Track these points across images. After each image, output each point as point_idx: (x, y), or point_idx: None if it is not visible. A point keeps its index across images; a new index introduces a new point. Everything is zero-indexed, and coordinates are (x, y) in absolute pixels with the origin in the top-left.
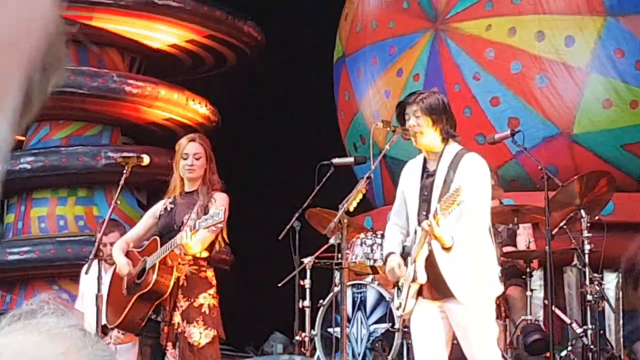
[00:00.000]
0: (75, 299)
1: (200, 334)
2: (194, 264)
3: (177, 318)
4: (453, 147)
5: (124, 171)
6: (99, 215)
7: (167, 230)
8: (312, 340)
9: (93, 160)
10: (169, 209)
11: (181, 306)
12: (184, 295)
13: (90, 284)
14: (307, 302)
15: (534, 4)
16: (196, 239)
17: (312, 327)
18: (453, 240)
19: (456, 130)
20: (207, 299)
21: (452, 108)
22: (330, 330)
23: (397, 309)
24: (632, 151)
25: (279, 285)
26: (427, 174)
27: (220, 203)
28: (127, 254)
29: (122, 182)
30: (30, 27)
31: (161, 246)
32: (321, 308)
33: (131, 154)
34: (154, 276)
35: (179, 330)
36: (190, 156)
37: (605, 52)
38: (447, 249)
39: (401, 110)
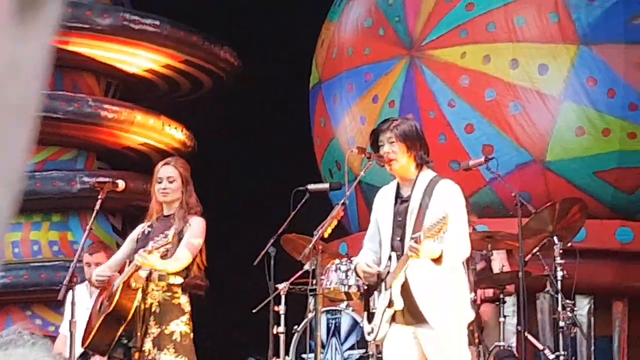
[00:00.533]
0: (49, 325)
1: None
2: (167, 290)
3: (148, 345)
4: (427, 174)
5: (99, 196)
6: (74, 241)
7: None
8: None
9: (68, 185)
10: (146, 232)
11: (152, 333)
12: (155, 321)
13: (81, 308)
14: (281, 328)
15: (508, 32)
16: (158, 259)
17: (287, 353)
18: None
19: (429, 157)
20: (179, 326)
21: (427, 134)
22: (304, 356)
23: (369, 334)
24: (604, 178)
25: (254, 311)
26: (401, 200)
27: (195, 228)
28: (110, 279)
29: (97, 207)
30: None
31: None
32: (295, 334)
33: (106, 179)
34: (117, 297)
35: (150, 357)
36: (164, 180)
37: (579, 80)
38: (438, 260)
39: (375, 137)
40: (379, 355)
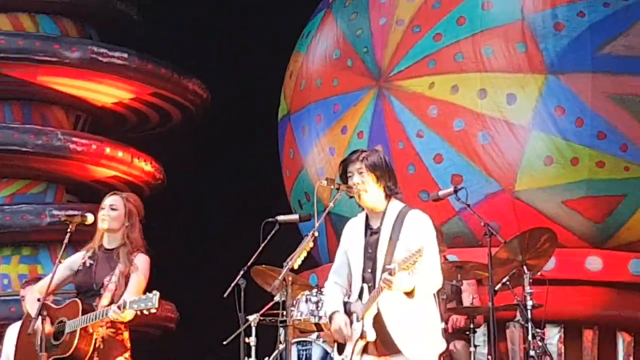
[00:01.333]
0: None
1: None
2: (111, 326)
3: None
4: (396, 204)
5: (68, 229)
6: (44, 274)
7: (85, 289)
8: None
9: (37, 218)
10: (87, 264)
11: None
12: (99, 357)
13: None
14: None
15: (476, 62)
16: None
17: None
18: (412, 284)
19: (398, 187)
20: None
21: (396, 165)
22: None
23: None
24: (573, 207)
25: (225, 342)
26: (370, 232)
27: (140, 268)
28: (43, 306)
29: (66, 240)
30: None
31: (83, 311)
32: None
33: (76, 212)
34: (75, 342)
35: None
36: (107, 207)
37: (547, 109)
38: (410, 294)
39: (344, 168)
40: None
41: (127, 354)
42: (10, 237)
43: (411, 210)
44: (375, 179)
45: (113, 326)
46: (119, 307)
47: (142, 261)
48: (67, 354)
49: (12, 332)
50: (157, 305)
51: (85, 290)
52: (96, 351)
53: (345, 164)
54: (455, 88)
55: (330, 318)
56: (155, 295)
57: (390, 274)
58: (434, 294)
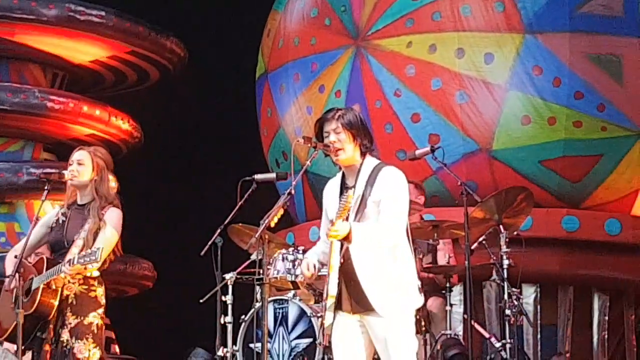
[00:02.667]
0: None
1: (89, 351)
2: (83, 283)
3: (65, 335)
4: (371, 161)
5: (46, 187)
6: (21, 232)
7: (58, 247)
8: (234, 355)
9: (14, 176)
10: (60, 221)
11: (69, 323)
12: (72, 313)
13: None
14: (228, 318)
15: (454, 21)
16: (82, 267)
17: (234, 342)
18: (353, 230)
19: (374, 145)
20: (96, 318)
21: (373, 124)
22: (251, 345)
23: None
24: (550, 167)
25: (201, 301)
26: (346, 189)
27: (110, 221)
28: (20, 265)
29: (43, 198)
30: None
31: (47, 268)
32: (243, 323)
33: (53, 170)
34: (38, 298)
35: (68, 347)
36: (75, 162)
37: (524, 69)
38: (347, 239)
39: (320, 126)
40: (327, 345)
41: (100, 310)
42: None
43: (385, 166)
44: (351, 137)
45: (85, 282)
46: (69, 263)
47: (112, 215)
48: (32, 310)
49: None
50: (99, 260)
51: (58, 247)
52: (69, 307)
53: (321, 123)
54: (433, 47)
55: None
56: (98, 250)
57: (331, 224)
58: (410, 250)
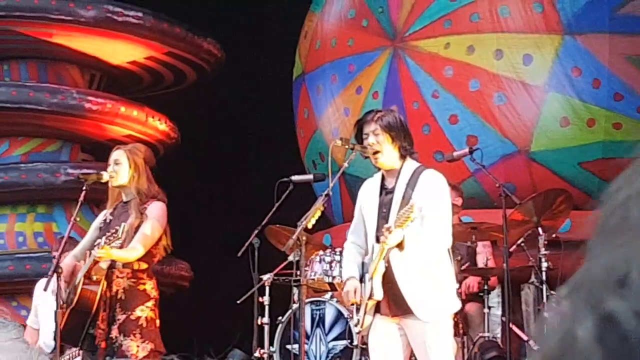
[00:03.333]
0: None
1: (137, 347)
2: (132, 277)
3: (114, 332)
4: (411, 164)
5: (84, 188)
6: (58, 232)
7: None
8: (270, 357)
9: (52, 176)
10: (107, 220)
11: (118, 319)
12: (121, 308)
13: (47, 299)
14: (265, 319)
15: (492, 22)
16: (116, 253)
17: (271, 343)
18: (407, 241)
19: (413, 147)
20: (144, 312)
21: (410, 125)
22: (288, 347)
23: (355, 325)
24: (589, 169)
25: (238, 302)
26: (385, 191)
27: (151, 215)
28: (75, 268)
29: (81, 198)
30: None
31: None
32: (280, 325)
33: (91, 171)
34: (79, 291)
35: (116, 344)
36: (112, 163)
37: (563, 70)
38: (400, 246)
39: (359, 128)
40: (364, 346)
41: (149, 303)
42: (25, 195)
43: (425, 169)
44: (390, 139)
45: (134, 276)
46: (97, 245)
47: (154, 208)
48: (74, 305)
49: (40, 287)
50: (120, 235)
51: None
52: (118, 302)
53: (360, 125)
54: (471, 48)
55: (345, 282)
56: (120, 227)
57: (388, 231)
58: (449, 254)
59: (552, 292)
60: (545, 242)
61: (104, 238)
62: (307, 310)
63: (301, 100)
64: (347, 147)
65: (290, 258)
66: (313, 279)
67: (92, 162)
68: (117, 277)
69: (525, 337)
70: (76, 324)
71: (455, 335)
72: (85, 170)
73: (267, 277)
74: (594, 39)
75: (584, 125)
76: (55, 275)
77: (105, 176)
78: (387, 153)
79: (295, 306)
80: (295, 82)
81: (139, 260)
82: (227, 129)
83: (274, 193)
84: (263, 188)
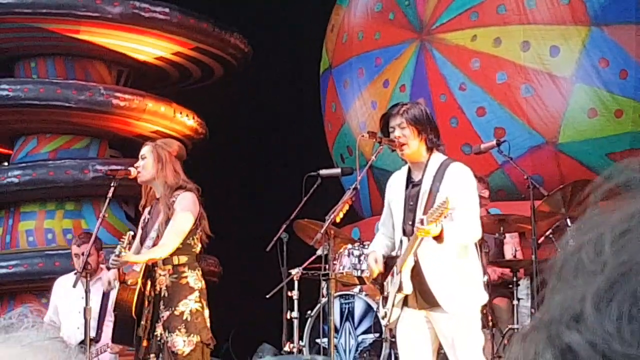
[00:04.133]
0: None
1: (183, 342)
2: (173, 272)
3: (159, 329)
4: (438, 157)
5: (112, 184)
6: (87, 229)
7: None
8: (300, 351)
9: (81, 173)
10: (146, 219)
11: (163, 317)
12: (165, 305)
13: (70, 296)
14: (295, 313)
15: (519, 14)
16: (132, 256)
17: (300, 338)
18: (443, 230)
19: (440, 140)
20: (188, 305)
21: (438, 118)
22: (318, 340)
23: (383, 318)
24: (617, 160)
25: (267, 296)
26: (412, 184)
27: (180, 206)
28: (86, 263)
29: (109, 195)
30: None
31: None
32: (309, 319)
33: (119, 167)
34: (115, 296)
35: (162, 341)
36: (140, 159)
37: (590, 61)
38: (439, 238)
39: (385, 121)
40: (393, 339)
41: (192, 296)
42: (54, 192)
43: (452, 162)
44: (416, 132)
45: (175, 271)
46: (114, 254)
47: (182, 199)
48: (114, 310)
49: (60, 284)
50: (126, 243)
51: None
52: (162, 300)
53: (386, 118)
54: (498, 40)
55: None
56: (125, 237)
57: (421, 223)
58: (475, 247)
59: None
60: None
61: (119, 246)
62: (336, 304)
63: (328, 94)
64: (374, 140)
65: (319, 252)
66: (342, 273)
67: (120, 159)
68: (160, 275)
69: None
70: (124, 326)
71: (484, 327)
72: (113, 167)
73: (295, 272)
74: (621, 30)
75: (612, 116)
76: (84, 272)
77: (133, 172)
78: (413, 146)
79: (324, 300)
80: (323, 76)
81: (176, 254)
82: (255, 123)
83: (302, 187)
84: (291, 182)
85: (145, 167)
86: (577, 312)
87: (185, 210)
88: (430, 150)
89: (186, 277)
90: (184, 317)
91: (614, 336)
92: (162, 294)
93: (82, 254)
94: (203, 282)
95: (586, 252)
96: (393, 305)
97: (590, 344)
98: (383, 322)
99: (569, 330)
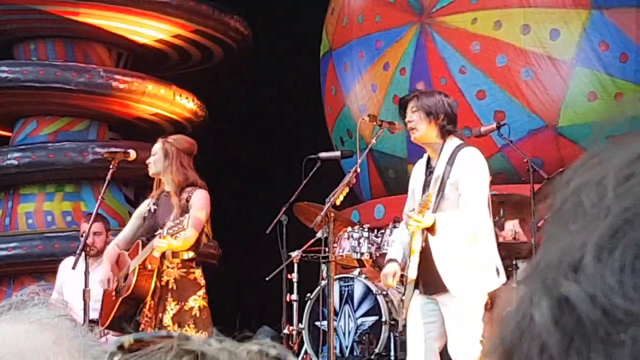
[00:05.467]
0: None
1: None
2: (182, 266)
3: (167, 321)
4: (452, 143)
5: (111, 166)
6: (86, 211)
7: (151, 233)
8: (299, 333)
9: (80, 155)
10: (152, 210)
11: (172, 309)
12: (174, 298)
13: (75, 278)
14: (294, 296)
15: None
16: (174, 242)
17: (300, 320)
18: (438, 221)
19: (456, 127)
20: (197, 302)
21: None
22: (317, 323)
23: (401, 301)
24: None
25: (267, 279)
26: (429, 171)
27: (197, 203)
28: (119, 257)
29: (108, 177)
30: None
31: (142, 250)
32: (309, 301)
33: (118, 149)
34: (134, 280)
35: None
36: (151, 155)
37: (590, 45)
38: (431, 230)
39: (403, 106)
40: (392, 322)
41: (200, 292)
42: (53, 174)
43: (464, 147)
44: (425, 116)
45: (184, 266)
46: (159, 235)
47: (198, 196)
48: (129, 293)
49: (66, 265)
50: (186, 226)
51: (152, 234)
52: (170, 292)
53: (404, 102)
54: (498, 24)
55: (386, 263)
56: (185, 219)
57: (409, 218)
58: (490, 230)
59: None
60: None
61: (166, 229)
62: (336, 286)
63: (328, 77)
64: (374, 123)
65: (319, 235)
66: (341, 256)
67: (120, 141)
68: (167, 267)
69: None
70: (126, 311)
71: (486, 309)
72: (112, 149)
73: (295, 254)
74: (621, 14)
75: (612, 100)
76: (83, 253)
77: (132, 155)
78: (422, 130)
79: (323, 283)
80: (323, 59)
81: (187, 249)
82: (255, 106)
83: (301, 170)
84: (291, 165)
85: (154, 162)
86: (576, 260)
87: (202, 208)
88: (444, 136)
89: (193, 272)
90: (193, 313)
91: (615, 290)
92: (170, 287)
93: (95, 233)
94: (204, 280)
95: (587, 194)
96: (405, 290)
97: (590, 297)
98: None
99: (566, 280)
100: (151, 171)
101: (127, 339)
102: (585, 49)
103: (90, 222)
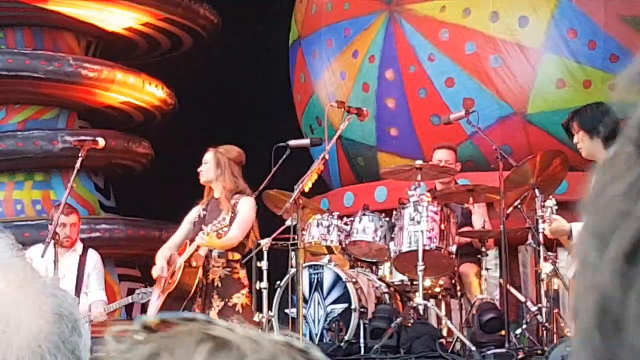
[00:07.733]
0: None
1: None
2: (227, 266)
3: (213, 317)
4: None
5: (80, 155)
6: (56, 200)
7: None
8: (269, 321)
9: (49, 144)
10: (201, 215)
11: (217, 306)
12: (219, 295)
13: (43, 266)
14: (264, 284)
15: None
16: (217, 240)
17: (270, 308)
18: None
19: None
20: (240, 299)
21: (407, 89)
22: (287, 311)
23: None
24: None
25: None
26: None
27: (244, 209)
28: (170, 258)
29: (77, 165)
30: None
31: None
32: (278, 289)
33: (87, 138)
34: (179, 276)
35: None
36: (203, 163)
37: (559, 32)
38: None
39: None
40: (362, 310)
41: (244, 291)
42: (22, 163)
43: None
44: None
45: (229, 265)
46: (203, 232)
47: (245, 202)
48: (173, 288)
49: (33, 254)
50: (228, 223)
51: None
52: (215, 289)
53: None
54: (467, 11)
55: None
56: (227, 216)
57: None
58: None
59: (548, 253)
60: (542, 204)
61: (210, 226)
62: (305, 274)
63: (297, 65)
64: (342, 109)
65: (288, 222)
66: (310, 243)
67: (89, 129)
68: (213, 266)
69: (522, 298)
70: (170, 306)
71: (453, 297)
72: (81, 137)
73: (265, 242)
74: (589, 1)
75: (580, 87)
76: (52, 242)
77: (100, 143)
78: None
79: (293, 270)
80: (292, 47)
81: (233, 250)
82: (224, 94)
83: (271, 158)
84: (260, 153)
85: (207, 170)
86: None
87: (248, 214)
88: None
89: (238, 272)
90: (237, 309)
91: None
92: (216, 284)
93: (72, 224)
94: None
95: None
96: None
97: None
98: None
99: None
100: (202, 179)
101: (153, 319)
102: (554, 36)
103: (59, 211)
